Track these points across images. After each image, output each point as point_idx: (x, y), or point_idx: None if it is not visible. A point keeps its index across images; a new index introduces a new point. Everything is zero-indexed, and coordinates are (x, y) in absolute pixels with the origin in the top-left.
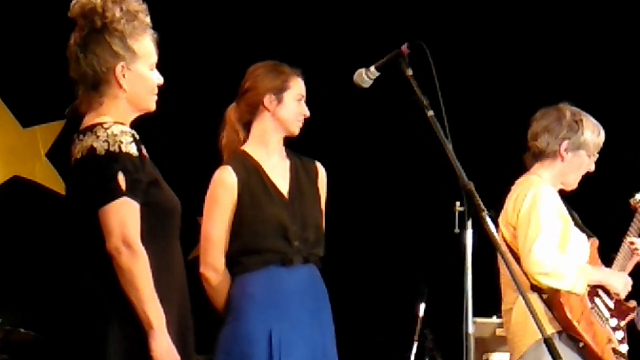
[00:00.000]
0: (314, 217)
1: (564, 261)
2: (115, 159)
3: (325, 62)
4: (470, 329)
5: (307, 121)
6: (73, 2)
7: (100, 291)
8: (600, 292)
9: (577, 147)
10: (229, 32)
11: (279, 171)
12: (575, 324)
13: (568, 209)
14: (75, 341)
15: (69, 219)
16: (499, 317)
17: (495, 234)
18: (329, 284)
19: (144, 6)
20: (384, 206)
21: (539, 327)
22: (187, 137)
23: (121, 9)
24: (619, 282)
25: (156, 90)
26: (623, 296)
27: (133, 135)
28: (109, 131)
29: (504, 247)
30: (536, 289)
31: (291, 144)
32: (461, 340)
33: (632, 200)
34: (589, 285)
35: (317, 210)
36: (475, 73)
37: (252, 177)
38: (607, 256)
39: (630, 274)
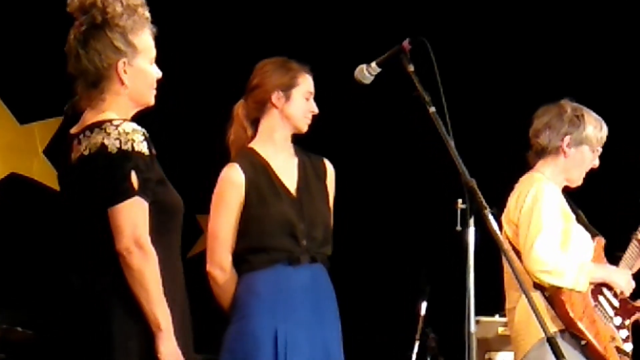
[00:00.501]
0: (322, 215)
1: (565, 259)
2: (128, 157)
3: (325, 58)
4: (473, 327)
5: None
6: None
7: (105, 291)
8: (605, 290)
9: (579, 142)
10: (231, 28)
11: (286, 169)
12: (577, 321)
13: (573, 207)
14: (79, 341)
15: (70, 216)
16: (502, 315)
17: (498, 232)
18: None
19: (143, 0)
20: (385, 203)
21: (541, 326)
22: (186, 134)
23: (122, 4)
24: (622, 279)
25: (155, 85)
26: (627, 294)
27: (144, 134)
28: (120, 129)
29: (506, 245)
30: (538, 286)
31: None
32: (463, 339)
33: None
34: (593, 283)
35: (325, 208)
36: (478, 69)
37: (260, 174)
38: (613, 255)
39: (637, 273)
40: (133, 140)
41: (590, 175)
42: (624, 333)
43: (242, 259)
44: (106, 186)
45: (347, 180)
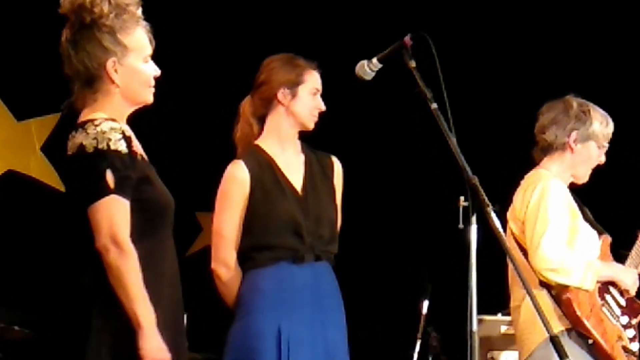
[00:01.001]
0: (328, 212)
1: (572, 257)
2: (103, 156)
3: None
4: (475, 326)
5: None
6: None
7: (90, 288)
8: (612, 288)
9: (586, 138)
10: (232, 24)
11: (293, 166)
12: (584, 320)
13: (579, 204)
14: (64, 337)
15: (65, 214)
16: (504, 314)
17: (500, 230)
18: None
19: None
20: (386, 201)
21: (545, 325)
22: (186, 132)
23: (110, 3)
24: (629, 278)
25: (152, 83)
26: (633, 293)
27: (123, 132)
28: (98, 128)
29: (512, 243)
30: (545, 285)
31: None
32: (465, 338)
33: None
34: (599, 282)
35: (331, 206)
36: (480, 65)
37: (265, 172)
38: (617, 253)
39: None
40: (109, 139)
41: (596, 172)
42: (631, 332)
43: (247, 256)
44: (84, 186)
45: (348, 177)
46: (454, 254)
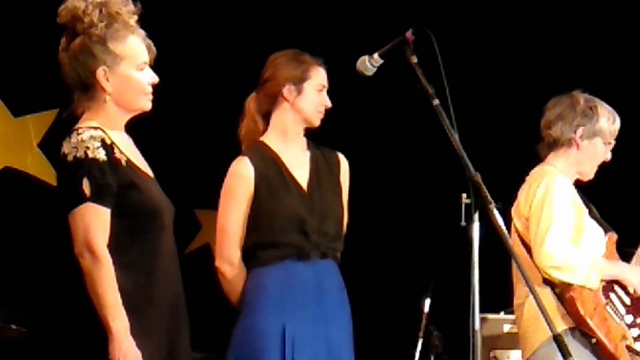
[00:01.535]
0: (334, 210)
1: (577, 254)
2: (80, 164)
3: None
4: (477, 325)
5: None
6: (60, 8)
7: (69, 292)
8: (617, 287)
9: (592, 134)
10: (232, 22)
11: (298, 163)
12: (588, 319)
13: (585, 201)
14: (59, 336)
15: (60, 213)
16: (507, 313)
17: (503, 227)
18: None
19: (129, 7)
20: (388, 198)
21: (548, 324)
22: (185, 130)
23: (101, 12)
24: (635, 277)
25: (148, 90)
26: (639, 292)
27: (103, 140)
28: (79, 137)
29: (516, 240)
30: (548, 282)
31: None
32: (467, 337)
33: None
34: (604, 280)
35: (337, 203)
36: (483, 60)
37: (270, 168)
38: (621, 251)
39: None
40: (87, 148)
41: (602, 169)
42: (635, 332)
43: (251, 254)
44: (63, 193)
45: (349, 174)
46: (456, 252)
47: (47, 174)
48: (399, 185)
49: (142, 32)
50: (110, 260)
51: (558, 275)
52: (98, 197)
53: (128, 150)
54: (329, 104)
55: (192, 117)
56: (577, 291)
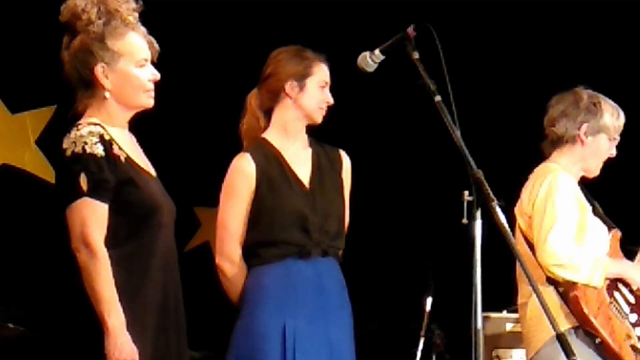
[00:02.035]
0: (336, 207)
1: (580, 252)
2: (78, 160)
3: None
4: (480, 324)
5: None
6: (62, 7)
7: (66, 287)
8: (621, 286)
9: (597, 130)
10: (234, 19)
11: (300, 160)
12: (592, 318)
13: (589, 198)
14: (57, 334)
15: (58, 210)
16: (510, 311)
17: (505, 225)
18: None
19: (129, 4)
20: (389, 195)
21: (551, 323)
22: (185, 128)
23: (99, 9)
24: (639, 275)
25: (149, 86)
26: None
27: (101, 136)
28: (78, 132)
29: (519, 238)
30: (552, 281)
31: None
32: (470, 336)
33: None
34: (608, 279)
35: (339, 201)
36: (485, 57)
37: (272, 165)
38: (625, 249)
39: None
40: (85, 143)
41: (607, 165)
42: None
43: (252, 252)
44: (61, 188)
45: (351, 172)
46: (458, 250)
47: (44, 171)
48: (401, 183)
49: (143, 29)
50: (107, 255)
51: (561, 273)
52: (95, 192)
53: (129, 147)
54: (332, 101)
55: (192, 114)
56: (580, 290)
